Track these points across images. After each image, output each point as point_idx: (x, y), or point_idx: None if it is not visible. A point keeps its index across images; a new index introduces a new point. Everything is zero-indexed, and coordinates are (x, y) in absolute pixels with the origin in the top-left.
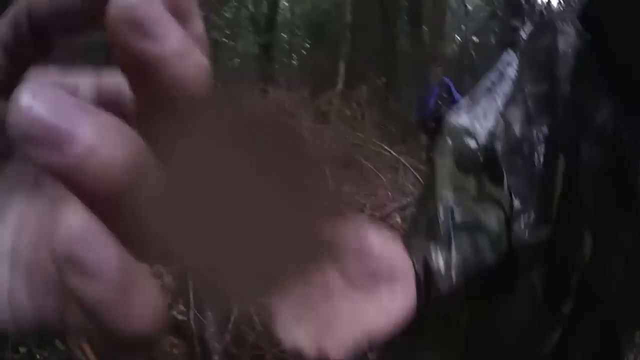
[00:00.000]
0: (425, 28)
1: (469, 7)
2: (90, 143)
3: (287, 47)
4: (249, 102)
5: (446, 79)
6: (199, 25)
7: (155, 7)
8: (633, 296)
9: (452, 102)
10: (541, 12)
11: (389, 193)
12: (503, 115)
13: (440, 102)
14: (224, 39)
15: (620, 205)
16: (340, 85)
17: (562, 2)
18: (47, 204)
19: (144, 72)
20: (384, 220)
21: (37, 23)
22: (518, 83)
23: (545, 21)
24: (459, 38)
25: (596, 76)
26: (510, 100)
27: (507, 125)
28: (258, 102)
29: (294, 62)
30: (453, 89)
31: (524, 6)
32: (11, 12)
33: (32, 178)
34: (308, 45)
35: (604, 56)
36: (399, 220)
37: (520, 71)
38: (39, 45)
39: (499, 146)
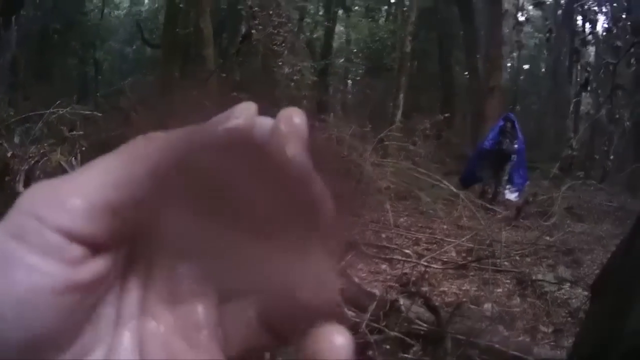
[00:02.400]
0: (479, 57)
1: (521, 35)
2: None
3: (343, 72)
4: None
5: (511, 115)
6: None
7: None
8: None
9: (515, 137)
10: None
11: (445, 226)
12: None
13: (503, 137)
14: (279, 63)
15: None
16: (399, 115)
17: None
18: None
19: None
20: (439, 253)
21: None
22: None
23: None
24: (509, 66)
25: None
26: None
27: None
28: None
29: (349, 89)
30: (517, 124)
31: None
32: (118, 165)
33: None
34: (362, 72)
35: None
36: (454, 254)
37: None
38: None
39: None
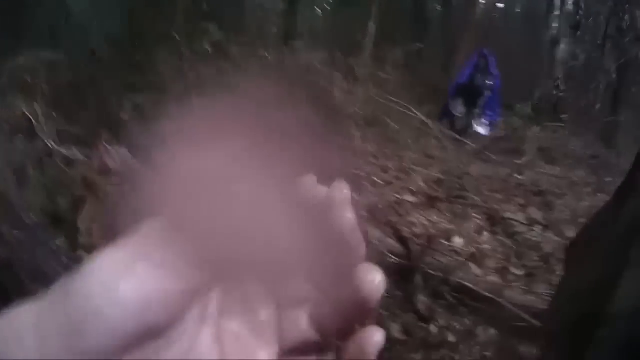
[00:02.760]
0: None
1: None
2: None
3: (312, 1)
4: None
5: (485, 51)
6: None
7: None
8: None
9: (489, 73)
10: None
11: (414, 155)
12: None
13: (477, 73)
14: None
15: None
16: (369, 45)
17: None
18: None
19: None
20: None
21: None
22: None
23: None
24: (483, 2)
25: None
26: None
27: None
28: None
29: (319, 18)
30: (491, 61)
31: None
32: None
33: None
34: (332, 1)
35: None
36: (422, 183)
37: None
38: None
39: None
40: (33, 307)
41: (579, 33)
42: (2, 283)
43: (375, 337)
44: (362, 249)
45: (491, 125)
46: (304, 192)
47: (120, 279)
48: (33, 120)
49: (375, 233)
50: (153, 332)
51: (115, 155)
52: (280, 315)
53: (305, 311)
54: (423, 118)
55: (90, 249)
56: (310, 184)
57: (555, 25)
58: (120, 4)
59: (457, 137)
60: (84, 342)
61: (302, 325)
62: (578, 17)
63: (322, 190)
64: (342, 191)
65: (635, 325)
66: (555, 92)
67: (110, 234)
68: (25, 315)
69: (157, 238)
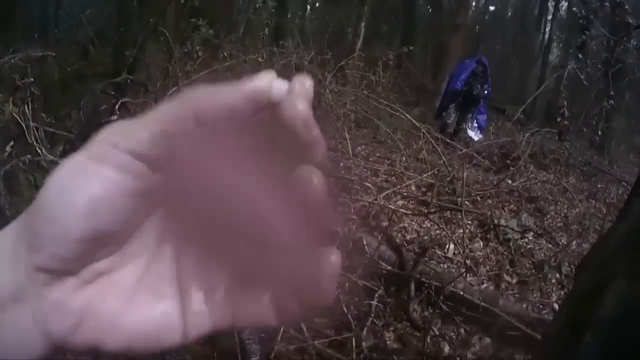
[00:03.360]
0: None
1: None
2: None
3: (303, 0)
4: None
5: (483, 58)
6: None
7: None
8: None
9: (486, 81)
10: None
11: (404, 158)
12: None
13: (474, 81)
14: None
15: None
16: (359, 44)
17: None
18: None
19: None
20: (398, 186)
21: (202, 123)
22: None
23: None
24: (474, 4)
25: None
26: None
27: None
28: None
29: (309, 15)
30: (488, 69)
31: None
32: (173, 109)
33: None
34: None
35: None
36: (413, 188)
37: None
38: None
39: None
40: (12, 229)
41: (581, 56)
42: None
43: (332, 256)
44: (319, 147)
45: (481, 128)
46: (265, 88)
47: (73, 183)
48: (23, 125)
49: (368, 240)
50: (103, 240)
51: None
52: (240, 292)
53: (268, 291)
54: (414, 121)
55: None
56: (267, 77)
57: (547, 29)
58: None
59: (449, 141)
60: (42, 254)
61: (261, 304)
62: (584, 37)
63: (283, 84)
64: (303, 84)
65: (617, 332)
66: (558, 120)
67: None
68: (5, 240)
69: (117, 140)
